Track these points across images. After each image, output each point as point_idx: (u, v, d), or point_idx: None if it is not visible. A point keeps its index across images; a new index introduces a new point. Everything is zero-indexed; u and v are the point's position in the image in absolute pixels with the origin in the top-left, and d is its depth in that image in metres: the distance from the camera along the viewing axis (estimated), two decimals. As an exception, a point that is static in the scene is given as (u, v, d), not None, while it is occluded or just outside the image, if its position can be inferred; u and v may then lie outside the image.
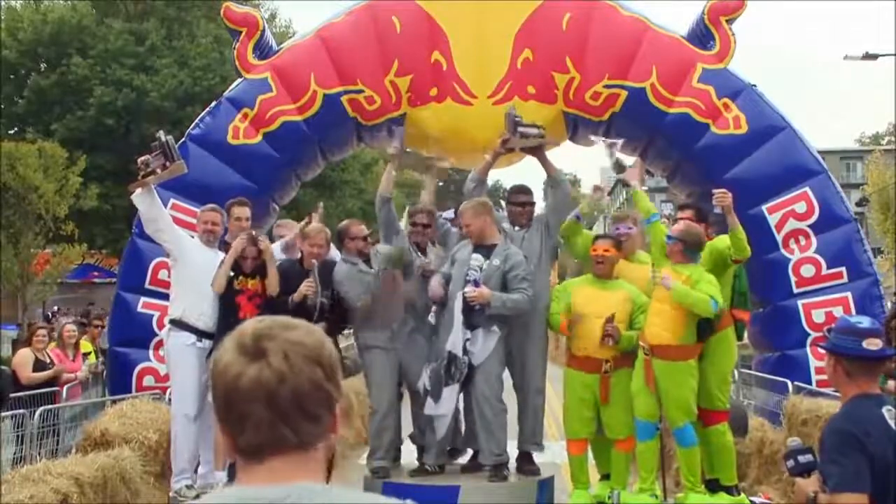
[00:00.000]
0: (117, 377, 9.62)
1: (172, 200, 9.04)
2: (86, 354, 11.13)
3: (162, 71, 25.05)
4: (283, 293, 7.07)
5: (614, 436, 6.86)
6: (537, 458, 7.21)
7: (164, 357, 7.79)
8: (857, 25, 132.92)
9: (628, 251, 7.17)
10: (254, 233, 7.56)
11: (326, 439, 1.55)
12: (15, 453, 7.91)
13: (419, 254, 7.25)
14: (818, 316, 9.14)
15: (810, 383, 8.75)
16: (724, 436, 6.76)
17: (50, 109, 25.40)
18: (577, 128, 9.87)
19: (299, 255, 7.50)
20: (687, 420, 6.55)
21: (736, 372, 9.09)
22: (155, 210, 7.32)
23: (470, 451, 7.22)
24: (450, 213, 7.85)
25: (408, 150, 9.72)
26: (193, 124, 10.07)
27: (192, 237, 7.62)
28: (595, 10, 9.76)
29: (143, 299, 9.45)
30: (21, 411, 8.09)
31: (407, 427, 7.23)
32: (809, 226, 9.37)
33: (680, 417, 6.55)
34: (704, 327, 6.59)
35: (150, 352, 9.33)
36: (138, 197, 7.20)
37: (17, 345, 14.58)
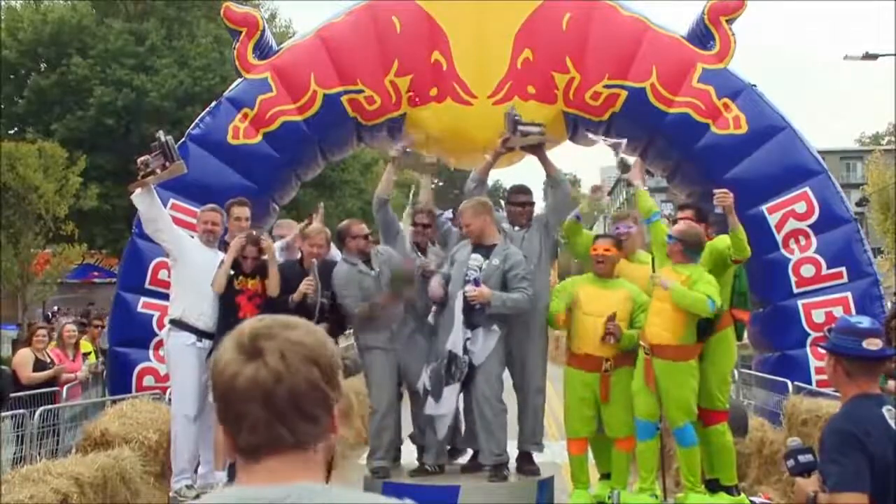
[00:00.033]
0: (117, 377, 9.62)
1: (172, 200, 9.04)
2: (86, 354, 11.13)
3: (162, 71, 25.06)
4: (283, 293, 7.07)
5: (614, 435, 6.86)
6: (537, 458, 7.21)
7: (164, 357, 7.79)
8: (857, 25, 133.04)
9: (628, 250, 7.18)
10: (254, 232, 7.57)
11: (326, 439, 1.55)
12: (15, 453, 7.91)
13: (419, 254, 7.25)
14: (818, 316, 9.14)
15: (810, 383, 8.75)
16: (723, 436, 6.77)
17: (50, 109, 25.40)
18: (577, 128, 9.87)
19: (299, 256, 7.51)
20: (687, 420, 6.55)
21: (736, 372, 9.09)
22: (154, 210, 7.32)
23: (470, 451, 7.22)
24: (449, 214, 7.86)
25: (407, 150, 9.73)
26: (193, 124, 10.06)
27: (192, 237, 7.62)
28: (595, 10, 9.76)
29: (143, 299, 9.45)
30: (21, 411, 8.09)
31: (407, 427, 7.23)
32: (809, 226, 9.37)
33: (680, 417, 6.55)
34: (704, 328, 6.60)
35: (150, 352, 9.33)
36: (138, 197, 7.20)
37: (17, 345, 14.58)
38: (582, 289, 6.92)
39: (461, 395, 6.80)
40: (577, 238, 7.28)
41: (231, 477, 6.64)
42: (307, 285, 7.01)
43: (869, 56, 21.01)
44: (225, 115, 9.75)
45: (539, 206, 7.74)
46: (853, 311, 8.86)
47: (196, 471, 7.24)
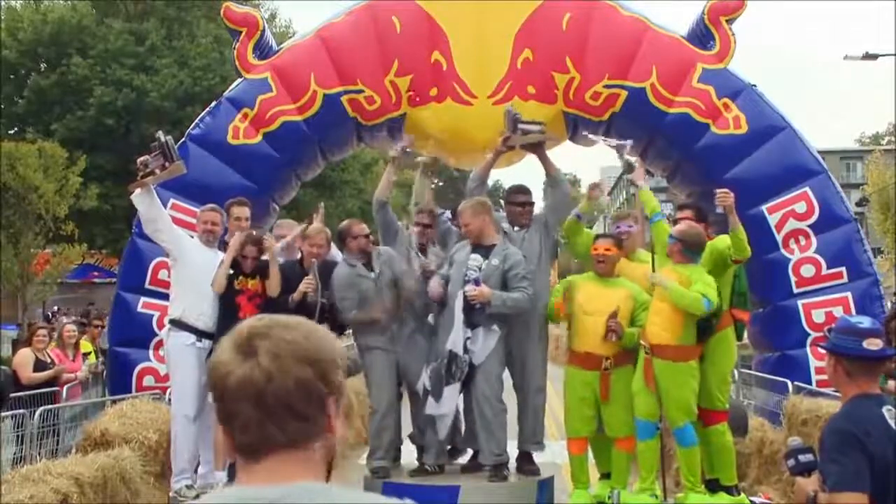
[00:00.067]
0: (117, 377, 9.62)
1: (172, 200, 9.05)
2: (86, 354, 11.13)
3: (162, 71, 25.06)
4: (284, 293, 7.08)
5: (614, 434, 6.86)
6: (537, 457, 7.21)
7: (164, 357, 7.79)
8: (857, 25, 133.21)
9: (629, 250, 7.17)
10: (254, 232, 7.56)
11: (323, 439, 1.54)
12: (15, 453, 7.91)
13: (419, 254, 7.25)
14: (818, 316, 9.14)
15: (810, 383, 8.75)
16: (723, 436, 6.77)
17: (50, 109, 25.41)
18: (577, 128, 9.87)
19: (299, 256, 7.51)
20: (687, 420, 6.55)
21: (736, 372, 9.09)
22: (154, 210, 7.32)
23: (470, 451, 7.22)
24: (448, 214, 7.86)
25: (407, 150, 9.72)
26: (193, 124, 10.06)
27: (192, 237, 7.62)
28: (595, 10, 9.75)
29: (143, 299, 9.45)
30: (21, 411, 8.09)
31: (407, 427, 7.23)
32: (809, 226, 9.37)
33: (680, 417, 6.55)
34: (704, 328, 6.59)
35: (150, 352, 9.33)
36: (137, 197, 7.20)
37: (17, 345, 14.58)
38: (582, 287, 6.92)
39: (461, 394, 6.80)
40: (578, 238, 7.28)
41: (231, 477, 6.64)
42: (307, 284, 7.01)
43: (869, 56, 21.01)
44: (225, 115, 9.74)
45: (539, 206, 7.73)
46: (853, 311, 8.86)
47: (196, 471, 7.24)
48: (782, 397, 8.52)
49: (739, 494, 6.80)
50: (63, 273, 22.98)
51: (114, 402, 8.81)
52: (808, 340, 9.14)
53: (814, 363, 8.95)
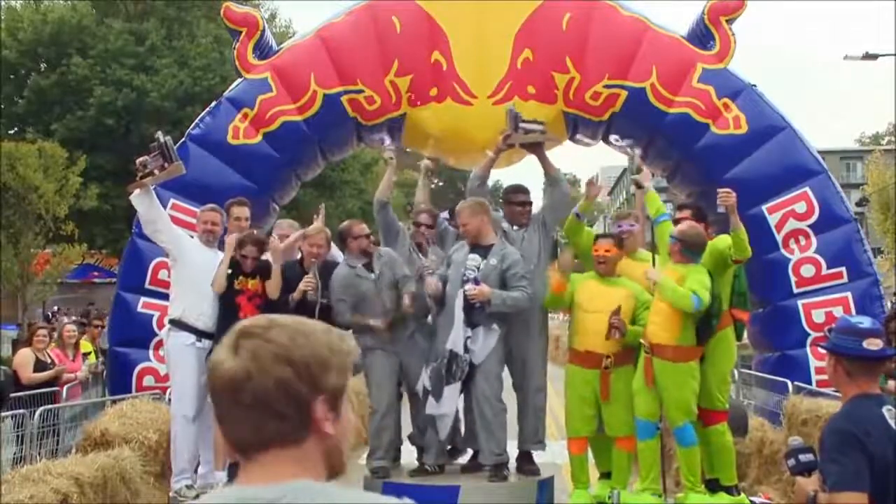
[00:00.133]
0: (117, 377, 9.62)
1: (172, 200, 9.05)
2: (86, 354, 11.13)
3: (162, 71, 25.05)
4: (284, 293, 7.08)
5: (614, 434, 6.86)
6: (537, 457, 7.21)
7: (164, 357, 7.79)
8: (857, 25, 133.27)
9: (630, 249, 7.17)
10: (255, 232, 7.56)
11: (315, 439, 1.54)
12: (15, 453, 7.91)
13: (420, 255, 7.25)
14: (818, 316, 9.14)
15: (810, 383, 8.75)
16: (723, 436, 6.77)
17: (50, 109, 25.39)
18: (577, 128, 9.87)
19: (299, 256, 7.50)
20: (686, 420, 6.55)
21: (736, 372, 9.09)
22: (154, 211, 7.32)
23: (470, 451, 7.22)
24: (445, 214, 7.86)
25: (407, 150, 9.72)
26: (193, 124, 10.06)
27: (192, 237, 7.62)
28: (595, 10, 9.75)
29: (143, 299, 9.45)
30: (21, 411, 8.09)
31: (407, 427, 7.23)
32: (809, 226, 9.36)
33: (679, 417, 6.55)
34: (704, 329, 6.59)
35: (150, 352, 9.33)
36: (137, 198, 7.20)
37: (17, 345, 14.57)
38: (584, 286, 6.92)
39: (461, 394, 6.80)
40: (578, 238, 7.27)
41: (231, 477, 6.64)
42: (307, 284, 7.01)
43: (869, 56, 21.01)
44: (225, 115, 9.74)
45: (538, 206, 7.73)
46: (853, 311, 8.86)
47: (196, 471, 7.24)
48: (782, 397, 8.52)
49: (739, 494, 6.79)
50: (63, 273, 22.97)
51: (114, 402, 8.81)
52: (808, 340, 9.14)
53: (814, 363, 8.95)
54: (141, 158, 7.17)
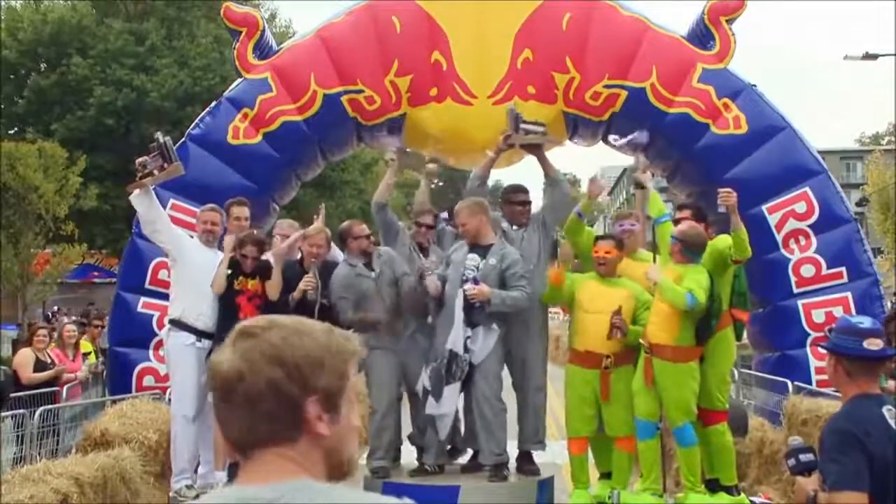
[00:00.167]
0: (117, 377, 9.62)
1: (172, 200, 9.05)
2: (86, 354, 11.13)
3: (162, 71, 25.06)
4: (284, 293, 7.08)
5: (615, 434, 6.86)
6: (537, 457, 7.20)
7: (164, 357, 7.79)
8: (857, 25, 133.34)
9: (630, 249, 7.17)
10: (255, 232, 7.56)
11: (309, 440, 1.54)
12: (15, 453, 7.91)
13: (420, 255, 7.25)
14: (818, 316, 9.13)
15: (810, 383, 8.75)
16: (723, 436, 6.76)
17: (50, 109, 25.40)
18: (577, 128, 9.87)
19: (299, 256, 7.51)
20: (686, 420, 6.55)
21: (736, 372, 9.09)
22: (153, 212, 7.32)
23: (470, 451, 7.22)
24: (444, 214, 7.86)
25: (407, 150, 9.72)
26: (193, 124, 10.06)
27: (192, 237, 7.62)
28: (595, 10, 9.75)
29: (143, 299, 9.45)
30: (21, 411, 8.09)
31: (407, 427, 7.23)
32: (809, 226, 9.36)
33: (679, 417, 6.55)
34: (704, 330, 6.59)
35: (150, 352, 9.33)
36: (136, 198, 7.20)
37: (17, 345, 14.58)
38: (584, 286, 6.92)
39: (461, 394, 6.80)
40: (579, 237, 7.27)
41: (231, 477, 6.64)
42: (307, 283, 7.01)
43: (869, 56, 21.01)
44: (225, 115, 9.74)
45: (538, 206, 7.73)
46: (853, 311, 8.86)
47: (196, 471, 7.24)
48: (782, 397, 8.52)
49: (739, 494, 6.79)
50: (63, 273, 22.97)
51: (114, 402, 8.81)
52: (808, 340, 9.14)
53: (814, 363, 8.95)
54: (140, 159, 7.17)
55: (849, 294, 9.26)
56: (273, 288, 7.12)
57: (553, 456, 8.16)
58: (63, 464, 6.33)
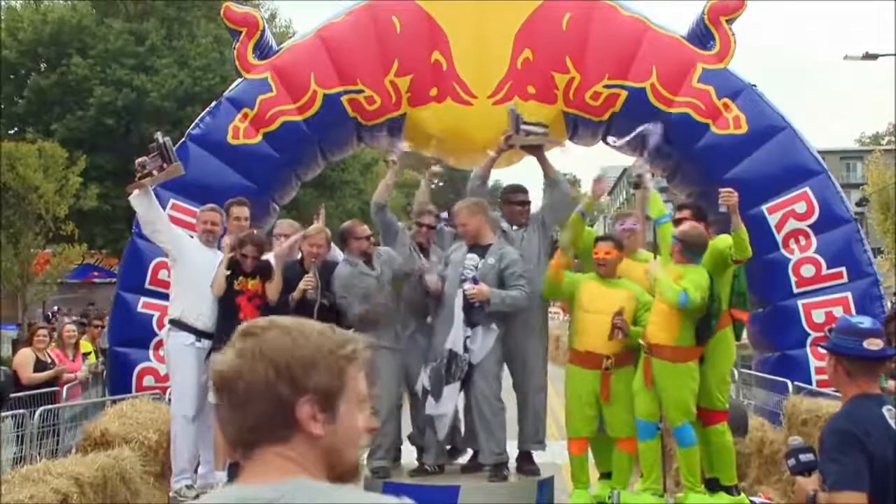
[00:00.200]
0: (117, 377, 9.62)
1: (172, 200, 9.05)
2: (86, 354, 11.14)
3: (162, 71, 25.05)
4: (284, 293, 7.08)
5: (616, 434, 6.86)
6: (537, 457, 7.20)
7: (164, 357, 7.79)
8: (857, 25, 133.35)
9: (630, 249, 7.17)
10: (255, 231, 7.56)
11: (304, 440, 1.55)
12: (15, 453, 7.91)
13: (420, 255, 7.25)
14: (818, 316, 9.14)
15: (810, 383, 8.75)
16: (723, 436, 6.76)
17: (50, 109, 25.40)
18: (577, 128, 9.87)
19: (299, 256, 7.50)
20: (685, 420, 6.55)
21: (736, 372, 9.09)
22: (153, 212, 7.32)
23: (470, 451, 7.22)
24: (443, 214, 7.86)
25: (407, 150, 9.71)
26: (193, 124, 10.06)
27: (192, 237, 7.62)
28: (595, 10, 9.75)
29: (143, 299, 9.45)
30: (21, 411, 8.09)
31: (407, 427, 7.23)
32: (809, 226, 9.36)
33: (678, 417, 6.55)
34: (703, 330, 6.58)
35: (150, 352, 9.33)
36: (136, 199, 7.20)
37: (17, 345, 14.58)
38: (585, 287, 6.92)
39: (460, 394, 6.80)
40: (579, 238, 7.25)
41: (231, 477, 6.63)
42: (307, 283, 7.01)
43: (869, 56, 21.01)
44: (225, 115, 9.74)
45: (538, 206, 7.72)
46: (853, 311, 8.86)
47: (196, 471, 7.24)
48: (782, 397, 8.52)
49: (739, 494, 6.79)
50: (63, 273, 22.97)
51: (114, 402, 8.81)
52: (808, 340, 9.14)
53: (814, 363, 8.95)
54: (140, 159, 7.17)
55: (849, 294, 9.26)
56: (273, 289, 7.12)
57: (553, 456, 8.16)
58: (63, 464, 6.33)
